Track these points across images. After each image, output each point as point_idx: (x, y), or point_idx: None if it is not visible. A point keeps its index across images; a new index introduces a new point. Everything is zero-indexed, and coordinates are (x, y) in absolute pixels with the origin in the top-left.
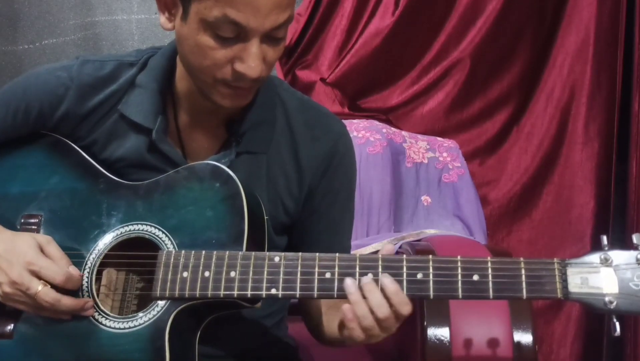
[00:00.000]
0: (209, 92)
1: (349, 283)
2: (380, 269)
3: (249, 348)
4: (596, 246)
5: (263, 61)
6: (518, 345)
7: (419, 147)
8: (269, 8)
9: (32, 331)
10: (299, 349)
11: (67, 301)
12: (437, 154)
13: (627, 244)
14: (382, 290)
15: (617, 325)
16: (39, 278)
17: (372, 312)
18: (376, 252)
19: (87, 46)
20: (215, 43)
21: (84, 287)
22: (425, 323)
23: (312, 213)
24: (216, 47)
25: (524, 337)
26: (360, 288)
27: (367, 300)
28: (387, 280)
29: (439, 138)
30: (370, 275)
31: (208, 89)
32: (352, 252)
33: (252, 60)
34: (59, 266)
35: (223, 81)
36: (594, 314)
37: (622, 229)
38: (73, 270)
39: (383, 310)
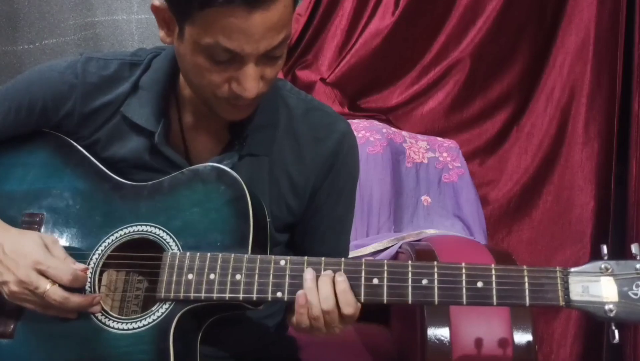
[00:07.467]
0: (211, 106)
1: (308, 273)
2: (385, 275)
3: (250, 348)
4: (596, 246)
5: (261, 80)
6: (518, 345)
7: (419, 147)
8: (262, 33)
9: (34, 331)
10: (300, 349)
11: (76, 299)
12: (437, 154)
13: (627, 244)
14: (333, 286)
15: (616, 332)
16: (46, 277)
17: (319, 302)
18: (376, 252)
19: (87, 46)
20: (210, 65)
21: (87, 287)
22: (425, 323)
23: (317, 211)
24: (211, 69)
25: (524, 337)
26: (317, 279)
27: (319, 290)
28: (340, 278)
29: (439, 138)
30: (329, 271)
31: (210, 103)
32: (351, 252)
33: (247, 82)
34: (66, 266)
35: (222, 98)
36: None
37: (622, 230)
38: (78, 266)
39: (329, 302)
